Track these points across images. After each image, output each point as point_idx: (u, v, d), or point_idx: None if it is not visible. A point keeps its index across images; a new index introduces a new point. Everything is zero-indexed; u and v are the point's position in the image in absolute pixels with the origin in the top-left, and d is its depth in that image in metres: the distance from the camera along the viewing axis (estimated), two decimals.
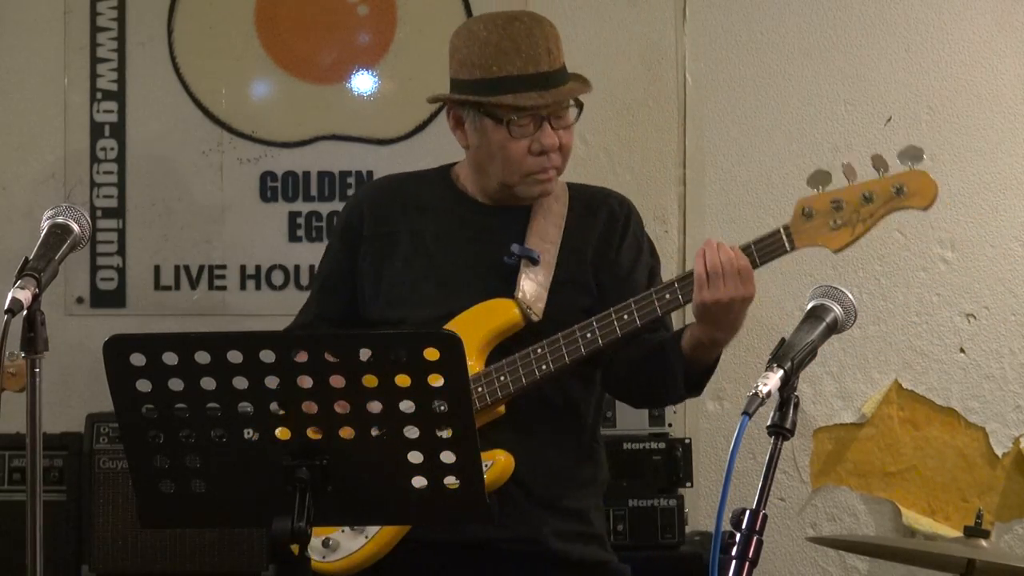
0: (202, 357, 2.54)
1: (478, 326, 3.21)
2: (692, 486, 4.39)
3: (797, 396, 2.38)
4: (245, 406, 2.56)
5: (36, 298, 2.51)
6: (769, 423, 2.36)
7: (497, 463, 3.15)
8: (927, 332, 4.70)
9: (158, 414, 2.59)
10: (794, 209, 3.09)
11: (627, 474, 4.27)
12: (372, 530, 3.21)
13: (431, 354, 2.53)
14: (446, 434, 2.57)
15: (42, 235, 2.64)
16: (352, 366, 2.54)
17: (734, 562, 2.28)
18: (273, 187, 4.85)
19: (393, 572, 3.24)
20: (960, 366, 4.70)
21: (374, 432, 2.57)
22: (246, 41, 4.84)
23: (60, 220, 2.65)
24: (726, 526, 2.30)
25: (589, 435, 3.31)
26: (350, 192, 4.80)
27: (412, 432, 2.58)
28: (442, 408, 2.56)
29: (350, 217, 3.42)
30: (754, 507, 2.31)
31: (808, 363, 2.42)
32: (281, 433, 2.57)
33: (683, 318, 3.73)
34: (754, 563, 2.29)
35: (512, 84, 3.16)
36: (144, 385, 2.57)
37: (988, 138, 4.69)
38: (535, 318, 3.19)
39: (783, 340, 2.43)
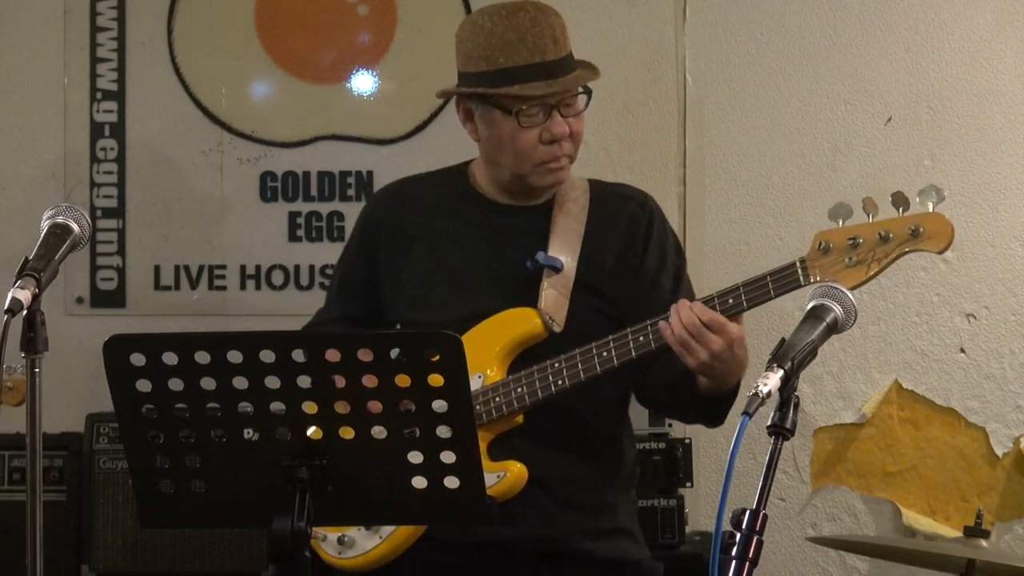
0: (202, 357, 2.54)
1: (500, 335, 3.21)
2: (692, 486, 4.38)
3: (797, 396, 2.38)
4: (245, 406, 2.56)
5: (36, 298, 2.51)
6: (769, 423, 2.36)
7: (511, 473, 3.15)
8: (927, 332, 4.70)
9: (158, 414, 2.59)
10: (812, 242, 3.08)
11: None
12: (387, 529, 3.21)
13: (431, 354, 2.53)
14: (446, 434, 2.57)
15: (42, 235, 2.64)
16: (352, 366, 2.54)
17: (734, 562, 2.28)
18: (273, 187, 4.85)
19: (408, 571, 3.24)
20: (960, 366, 4.70)
21: (374, 432, 2.57)
22: (246, 41, 4.84)
23: (60, 220, 2.65)
24: (726, 526, 2.30)
25: (614, 435, 3.30)
26: (350, 192, 4.80)
27: (412, 432, 2.58)
28: (442, 408, 2.56)
29: (367, 220, 3.43)
30: (754, 507, 2.31)
31: (808, 363, 2.41)
32: (281, 433, 2.57)
33: None
34: (754, 563, 2.28)
35: (518, 74, 3.16)
36: (144, 385, 2.57)
37: (988, 138, 4.69)
38: (557, 329, 3.19)
39: (783, 340, 2.43)
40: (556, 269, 3.21)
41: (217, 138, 4.84)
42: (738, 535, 2.30)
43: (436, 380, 2.54)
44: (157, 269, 4.84)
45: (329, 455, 2.57)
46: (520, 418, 3.18)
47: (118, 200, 4.84)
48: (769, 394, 2.33)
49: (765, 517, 2.30)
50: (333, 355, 2.54)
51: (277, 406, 2.56)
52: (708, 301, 3.08)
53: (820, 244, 3.08)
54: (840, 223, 3.07)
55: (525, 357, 3.21)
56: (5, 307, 2.46)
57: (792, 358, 2.38)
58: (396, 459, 2.59)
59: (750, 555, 2.28)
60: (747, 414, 2.30)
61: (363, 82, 4.85)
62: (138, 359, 2.56)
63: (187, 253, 4.84)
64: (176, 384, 2.56)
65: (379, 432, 2.57)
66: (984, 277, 4.68)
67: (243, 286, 4.83)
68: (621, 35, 4.78)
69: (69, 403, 4.52)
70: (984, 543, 3.67)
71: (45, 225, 2.66)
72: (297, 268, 4.83)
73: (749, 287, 3.07)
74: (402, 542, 3.20)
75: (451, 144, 4.77)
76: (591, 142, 4.71)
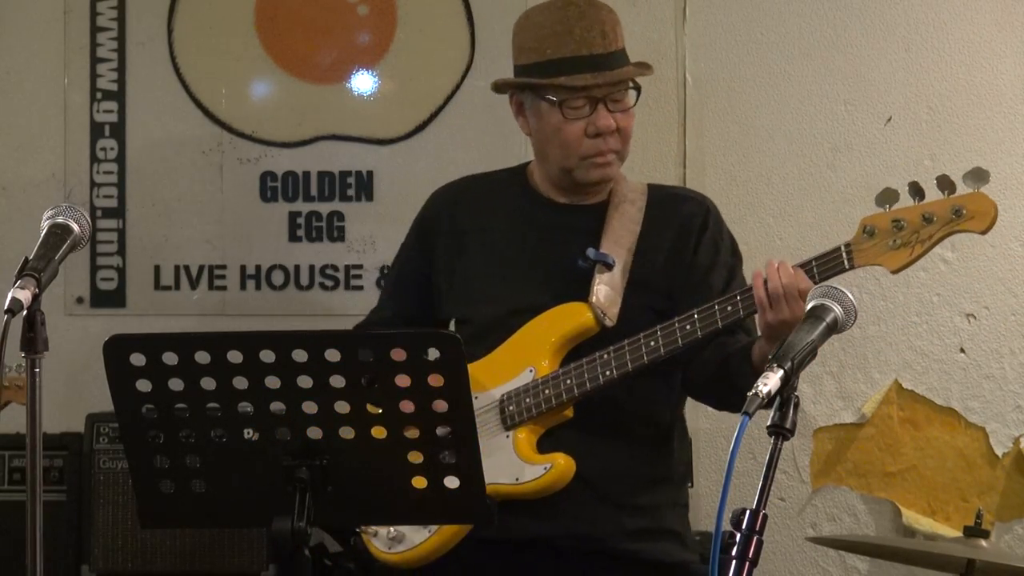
0: (202, 357, 2.55)
1: (553, 329, 3.22)
2: (692, 486, 4.38)
3: (797, 396, 2.38)
4: (245, 406, 2.57)
5: (36, 298, 2.51)
6: (769, 423, 2.36)
7: (556, 466, 3.16)
8: (927, 332, 4.70)
9: (158, 414, 2.59)
10: (858, 226, 3.09)
11: None
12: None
13: (431, 354, 2.54)
14: (446, 434, 2.57)
15: (42, 235, 2.64)
16: (352, 366, 2.54)
17: (734, 562, 2.28)
18: (273, 187, 4.84)
19: (451, 568, 3.24)
20: (960, 366, 4.70)
21: (374, 432, 2.57)
22: (246, 41, 4.84)
23: (60, 220, 2.65)
24: (726, 526, 2.30)
25: (664, 432, 3.30)
26: (350, 192, 4.80)
27: (412, 432, 2.58)
28: (442, 408, 2.56)
29: (424, 217, 3.44)
30: (754, 507, 2.31)
31: (808, 363, 2.41)
32: (281, 433, 2.57)
33: None
34: (754, 563, 2.28)
35: (565, 66, 3.18)
36: (144, 385, 2.57)
37: (988, 138, 4.69)
38: (609, 323, 3.20)
39: (783, 340, 2.43)
40: (608, 265, 3.22)
41: (217, 138, 4.84)
42: (738, 535, 2.30)
43: (436, 380, 2.54)
44: (157, 269, 4.84)
45: (329, 455, 2.57)
46: (570, 411, 3.19)
47: (118, 200, 4.84)
48: (769, 394, 2.33)
49: (765, 517, 2.30)
50: (333, 355, 2.54)
51: (277, 406, 2.56)
52: (748, 290, 3.09)
53: (865, 228, 3.10)
54: (887, 208, 3.08)
55: (578, 352, 3.21)
56: (5, 307, 2.46)
57: (792, 358, 2.38)
58: (396, 459, 2.59)
59: (750, 555, 2.28)
60: (747, 414, 2.30)
61: (363, 82, 4.85)
62: (138, 359, 2.56)
63: (187, 253, 4.84)
64: (176, 384, 2.57)
65: (379, 432, 2.57)
66: (984, 277, 4.68)
67: (243, 286, 4.83)
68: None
69: (69, 403, 4.51)
70: (984, 543, 3.66)
71: (45, 225, 2.66)
72: (297, 268, 4.83)
73: (821, 260, 3.09)
74: (451, 537, 3.20)
75: (451, 144, 4.79)
76: None
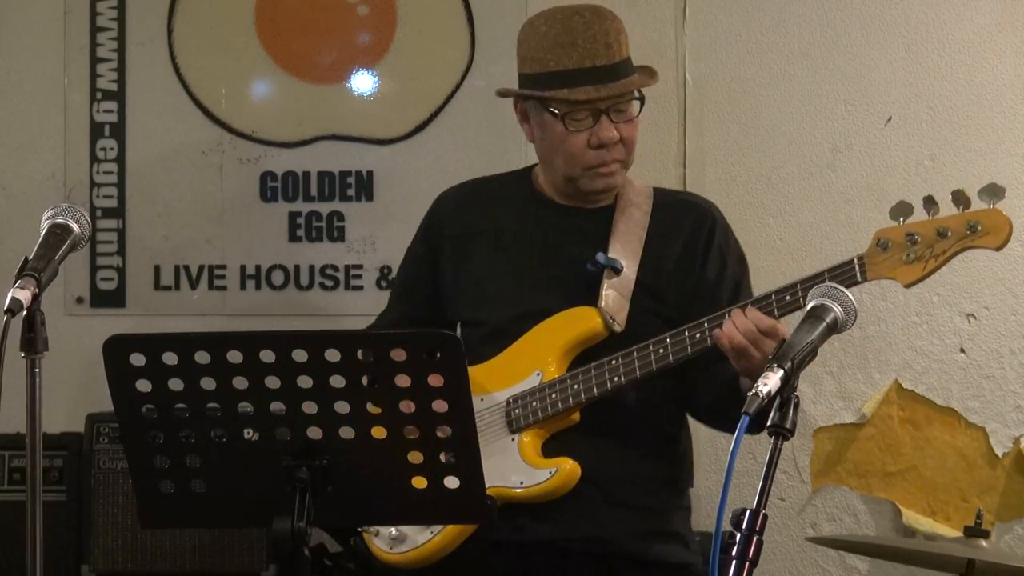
0: (202, 357, 2.55)
1: (561, 333, 3.23)
2: (692, 486, 4.38)
3: (797, 396, 2.38)
4: (245, 406, 2.57)
5: (36, 298, 2.51)
6: (769, 423, 2.36)
7: (562, 470, 3.16)
8: (927, 332, 4.70)
9: (158, 414, 2.59)
10: (871, 239, 3.08)
11: None
12: (439, 526, 3.20)
13: (431, 354, 2.54)
14: (446, 434, 2.57)
15: (42, 235, 2.64)
16: (352, 366, 2.54)
17: (734, 562, 2.28)
18: (273, 187, 4.84)
19: (456, 569, 3.24)
20: (960, 366, 4.70)
21: (374, 432, 2.57)
22: (246, 41, 4.84)
23: (60, 220, 2.65)
24: (726, 526, 2.30)
25: (669, 435, 3.30)
26: (350, 192, 4.80)
27: (412, 432, 2.58)
28: (442, 408, 2.56)
29: (431, 219, 3.44)
30: (754, 507, 2.31)
31: (808, 363, 2.42)
32: (281, 433, 2.57)
33: None
34: (754, 563, 2.29)
35: (568, 78, 3.16)
36: (144, 385, 2.57)
37: (988, 138, 4.68)
38: (618, 328, 3.19)
39: (783, 340, 2.43)
40: (616, 270, 3.22)
41: (217, 138, 4.83)
42: (738, 535, 2.30)
43: (436, 380, 2.54)
44: (157, 269, 4.84)
45: (329, 455, 2.57)
46: (576, 416, 3.19)
47: (118, 200, 4.84)
48: (769, 394, 2.33)
49: (765, 517, 2.30)
50: (333, 355, 2.54)
51: (277, 406, 2.56)
52: (766, 299, 3.09)
53: (879, 241, 3.09)
54: (901, 221, 3.07)
55: (586, 357, 3.21)
56: (5, 307, 2.47)
57: (792, 358, 2.38)
58: (396, 459, 2.59)
59: (750, 555, 2.29)
60: (747, 414, 2.30)
61: (363, 82, 4.85)
62: (138, 359, 2.56)
63: (187, 253, 4.84)
64: (176, 384, 2.57)
65: (379, 432, 2.57)
66: (984, 277, 4.68)
67: (243, 286, 4.83)
68: None
69: (69, 403, 4.51)
70: (984, 543, 3.66)
71: (45, 225, 2.66)
72: (297, 268, 4.82)
73: (807, 284, 3.07)
74: (453, 538, 3.20)
75: (451, 144, 4.79)
76: None
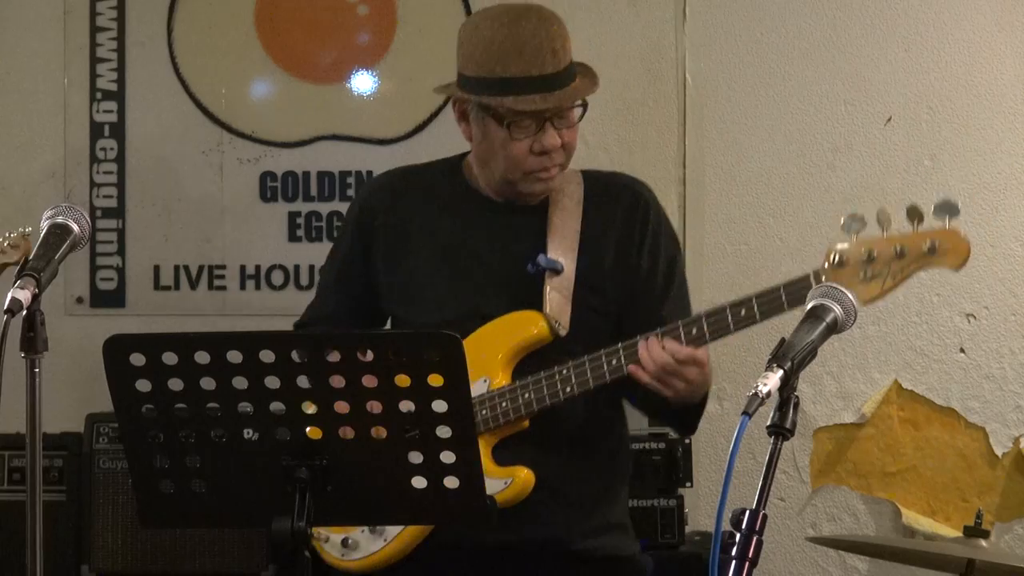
0: (202, 357, 2.54)
1: (507, 338, 3.21)
2: (692, 486, 4.38)
3: (797, 396, 2.37)
4: (245, 406, 2.57)
5: (36, 298, 2.51)
6: (769, 423, 2.36)
7: (517, 479, 3.15)
8: (927, 332, 4.70)
9: (158, 414, 2.59)
10: (825, 254, 3.07)
11: None
12: (392, 532, 3.20)
13: (431, 355, 2.54)
14: (446, 434, 2.57)
15: (42, 235, 2.63)
16: (352, 366, 2.54)
17: (734, 562, 2.28)
18: (273, 187, 4.85)
19: (408, 573, 3.24)
20: (960, 366, 4.70)
21: (374, 432, 2.57)
22: (246, 41, 4.84)
23: (60, 220, 2.65)
24: (726, 526, 2.30)
25: (606, 429, 3.29)
26: (350, 192, 4.80)
27: (412, 432, 2.58)
28: (442, 408, 2.56)
29: (362, 209, 3.40)
30: (754, 507, 2.31)
31: (808, 363, 2.41)
32: (281, 433, 2.57)
33: None
34: (754, 563, 2.28)
35: (514, 86, 3.13)
36: (144, 385, 2.57)
37: (988, 138, 4.69)
38: (563, 332, 3.19)
39: (783, 340, 2.43)
40: (557, 271, 3.21)
41: (217, 138, 4.84)
42: (738, 535, 2.30)
43: (436, 380, 2.54)
44: (157, 269, 4.84)
45: (329, 455, 2.57)
46: (527, 423, 3.18)
47: (118, 200, 4.84)
48: (769, 394, 2.32)
49: (765, 517, 2.30)
50: (333, 355, 2.54)
51: (277, 406, 2.56)
52: (720, 312, 3.07)
53: (834, 257, 3.06)
54: (854, 236, 3.05)
55: (528, 359, 3.21)
56: (5, 307, 2.46)
57: (792, 358, 2.37)
58: (396, 459, 2.59)
59: (750, 555, 2.28)
60: (747, 414, 2.29)
61: (363, 82, 4.85)
62: (138, 359, 2.56)
63: (187, 253, 4.84)
64: (176, 384, 2.56)
65: (379, 432, 2.57)
66: (984, 277, 4.68)
67: (243, 286, 4.83)
68: (621, 35, 4.77)
69: (69, 403, 4.51)
70: (984, 543, 3.66)
71: (45, 225, 2.66)
72: (297, 268, 4.83)
73: (762, 299, 3.07)
74: (406, 545, 3.20)
75: (451, 144, 4.73)
76: (591, 142, 4.71)
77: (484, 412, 3.15)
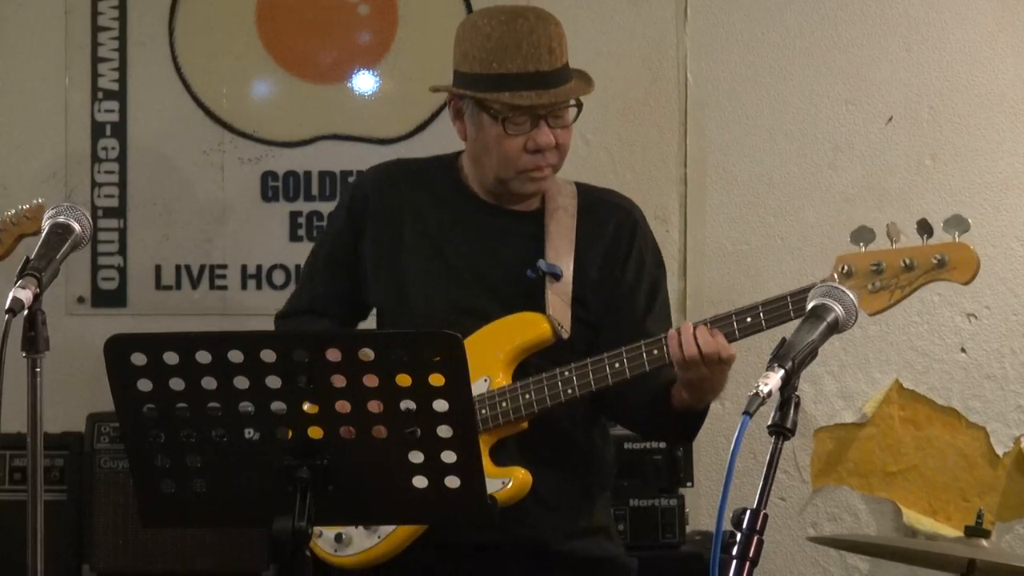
0: (203, 357, 2.54)
1: (510, 338, 3.21)
2: (693, 486, 4.38)
3: (798, 396, 2.37)
4: (246, 406, 2.57)
5: (37, 297, 2.51)
6: (770, 423, 2.36)
7: (515, 480, 3.15)
8: (928, 332, 4.70)
9: (159, 414, 2.59)
10: (833, 264, 3.07)
11: (628, 474, 4.26)
12: (385, 530, 3.21)
13: (432, 354, 2.54)
14: (447, 434, 2.57)
15: (43, 235, 2.64)
16: (353, 366, 2.54)
17: (735, 562, 2.28)
18: (274, 187, 4.85)
19: (401, 571, 3.24)
20: (961, 366, 4.70)
21: (375, 432, 2.57)
22: (247, 41, 4.84)
23: (61, 220, 2.65)
24: (727, 526, 2.30)
25: (587, 432, 3.31)
26: None
27: (413, 432, 2.58)
28: (443, 408, 2.56)
29: (355, 197, 3.40)
30: (755, 507, 2.31)
31: (809, 363, 2.41)
32: (282, 433, 2.57)
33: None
34: (755, 563, 2.28)
35: (510, 82, 3.15)
36: (145, 385, 2.57)
37: (989, 138, 4.69)
38: (565, 335, 3.19)
39: (784, 340, 2.43)
40: (557, 277, 3.21)
41: (218, 138, 4.84)
42: (739, 535, 2.30)
43: (437, 380, 2.54)
44: (158, 269, 4.84)
45: (330, 455, 2.57)
46: (525, 424, 3.19)
47: (119, 200, 4.84)
48: (770, 394, 2.33)
49: (766, 517, 2.30)
50: (334, 355, 2.54)
51: (278, 406, 2.56)
52: (726, 319, 3.08)
53: (842, 268, 3.06)
54: (862, 247, 3.05)
55: (527, 361, 3.21)
56: (6, 307, 2.46)
57: (793, 358, 2.37)
58: (397, 459, 2.59)
59: (751, 555, 2.28)
60: (748, 414, 2.30)
61: (364, 82, 4.85)
62: (139, 359, 2.56)
63: (188, 253, 4.84)
64: (177, 384, 2.56)
65: (380, 432, 2.57)
66: (985, 277, 4.66)
67: (244, 286, 4.84)
68: (621, 35, 4.77)
69: (70, 403, 4.51)
70: (985, 543, 3.67)
71: (46, 224, 2.66)
72: (298, 268, 4.81)
73: (768, 307, 3.07)
74: (400, 542, 3.20)
75: (452, 144, 4.73)
76: (591, 141, 4.71)
77: (484, 411, 3.15)
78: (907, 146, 4.70)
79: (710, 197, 4.74)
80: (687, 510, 4.34)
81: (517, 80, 3.14)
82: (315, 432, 2.57)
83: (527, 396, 3.15)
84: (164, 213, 4.84)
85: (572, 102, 3.22)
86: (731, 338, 3.09)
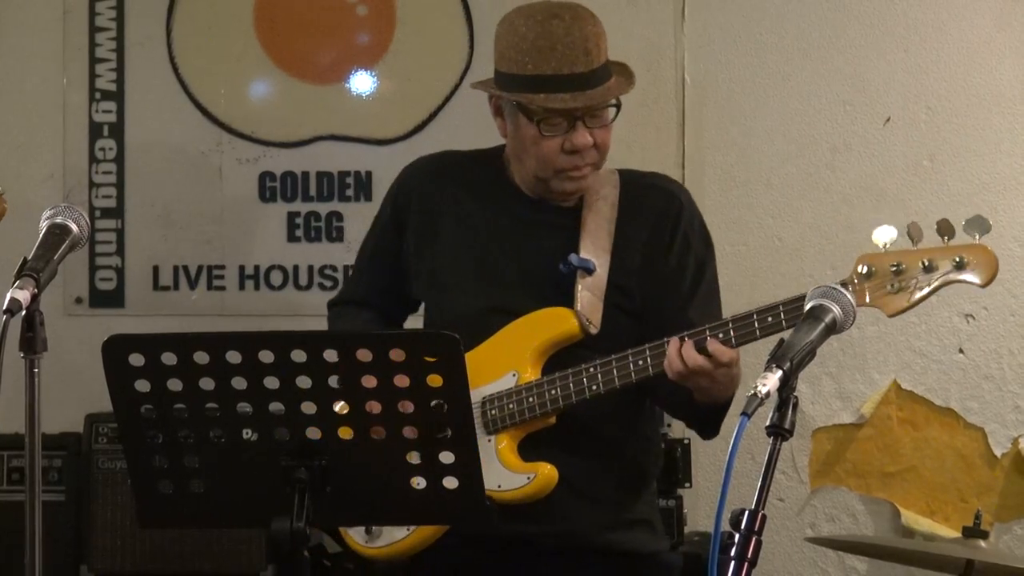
0: (201, 357, 2.55)
1: (537, 334, 3.21)
2: (691, 486, 4.38)
3: (796, 396, 2.38)
4: (244, 406, 2.57)
5: (35, 298, 2.51)
6: (768, 423, 2.36)
7: (540, 475, 3.15)
8: (926, 333, 4.70)
9: (157, 414, 2.59)
10: (854, 263, 3.07)
11: None
12: None
13: (431, 355, 2.54)
14: (445, 435, 2.57)
15: (41, 235, 2.64)
16: (352, 366, 2.54)
17: (733, 562, 2.28)
18: (272, 187, 4.84)
19: (431, 564, 3.24)
20: (959, 367, 4.70)
21: (373, 432, 2.57)
22: (245, 41, 4.84)
23: (59, 220, 2.65)
24: (725, 526, 2.30)
25: (631, 424, 3.29)
26: (349, 192, 4.80)
27: (411, 433, 2.58)
28: (442, 408, 2.56)
29: (399, 190, 3.40)
30: (753, 507, 2.31)
31: (807, 363, 2.41)
32: (280, 433, 2.57)
33: None
34: (753, 563, 2.29)
35: (545, 84, 3.13)
36: (143, 385, 2.57)
37: (987, 138, 4.69)
38: (593, 331, 3.18)
39: (782, 340, 2.43)
40: (589, 271, 3.21)
41: (216, 138, 4.84)
42: (737, 535, 2.30)
43: (435, 380, 2.54)
44: (156, 269, 4.84)
45: (328, 455, 2.57)
46: (553, 419, 3.19)
47: (117, 200, 4.84)
48: (768, 394, 2.33)
49: (764, 517, 2.30)
50: (332, 356, 2.54)
51: (276, 406, 2.56)
52: (747, 318, 3.07)
53: (862, 268, 3.06)
54: (883, 248, 3.04)
55: (556, 357, 3.21)
56: (4, 307, 2.46)
57: (791, 358, 2.38)
58: (395, 459, 2.59)
59: (749, 555, 2.29)
60: (746, 414, 2.30)
61: (362, 82, 4.85)
62: (137, 359, 2.56)
63: (186, 253, 4.84)
64: (175, 384, 2.56)
65: (378, 432, 2.57)
66: None
67: (242, 286, 4.83)
68: (621, 35, 4.76)
69: (68, 403, 4.51)
70: (983, 544, 3.67)
71: (44, 225, 2.66)
72: (296, 268, 4.83)
73: (789, 306, 3.06)
74: (430, 535, 3.20)
75: (450, 144, 4.73)
76: None
77: (511, 406, 3.16)
78: (905, 147, 4.70)
79: (708, 198, 4.74)
80: (686, 511, 4.34)
81: (552, 82, 3.13)
82: (313, 433, 2.57)
83: (553, 392, 3.15)
84: (162, 214, 4.84)
85: (612, 102, 3.21)
86: (751, 338, 3.08)
